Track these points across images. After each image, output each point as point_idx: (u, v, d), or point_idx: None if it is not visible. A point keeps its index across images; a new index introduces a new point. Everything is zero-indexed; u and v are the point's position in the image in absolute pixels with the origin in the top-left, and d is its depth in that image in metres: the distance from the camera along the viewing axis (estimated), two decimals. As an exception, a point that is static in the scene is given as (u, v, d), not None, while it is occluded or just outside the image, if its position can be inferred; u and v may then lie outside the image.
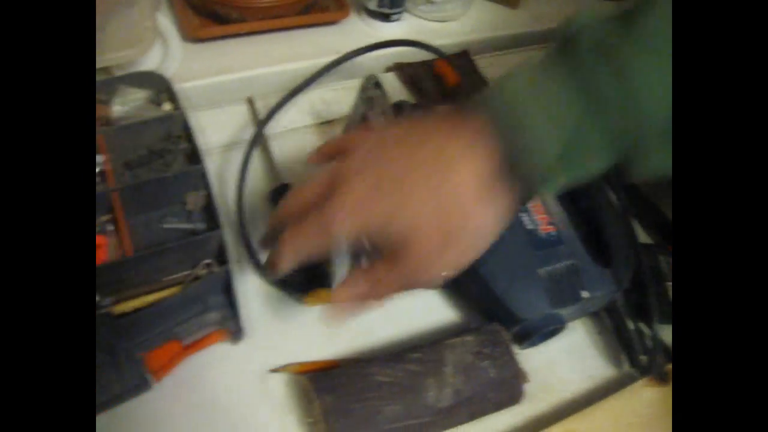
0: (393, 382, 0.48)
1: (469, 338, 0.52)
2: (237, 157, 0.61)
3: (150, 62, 0.66)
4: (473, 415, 0.50)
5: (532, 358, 0.56)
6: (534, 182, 0.40)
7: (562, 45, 0.40)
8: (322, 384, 0.47)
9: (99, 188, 0.54)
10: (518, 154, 0.39)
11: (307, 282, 0.54)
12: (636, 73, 0.36)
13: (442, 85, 0.74)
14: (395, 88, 0.75)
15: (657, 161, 0.38)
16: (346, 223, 0.39)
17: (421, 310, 0.59)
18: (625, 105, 0.37)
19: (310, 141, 0.68)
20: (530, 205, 0.58)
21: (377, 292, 0.42)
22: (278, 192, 0.61)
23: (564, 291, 0.55)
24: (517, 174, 0.39)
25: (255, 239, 0.57)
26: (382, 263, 0.41)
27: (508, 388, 0.51)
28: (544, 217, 0.58)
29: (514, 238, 0.56)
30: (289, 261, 0.42)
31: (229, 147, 0.65)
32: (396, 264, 0.40)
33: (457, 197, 0.39)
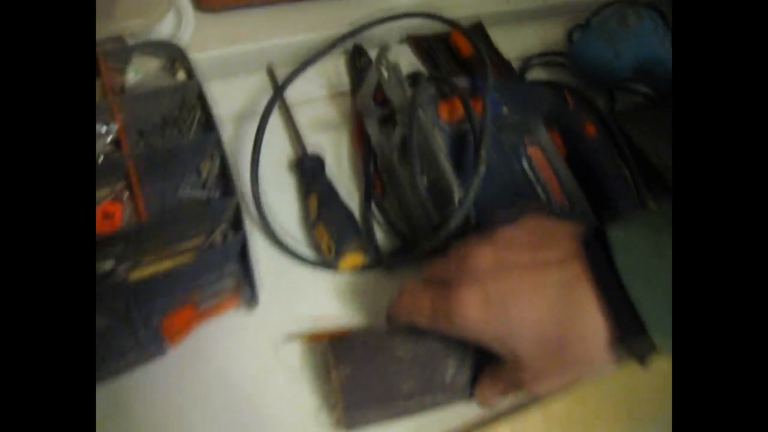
0: (414, 359, 0.47)
1: None
2: (251, 128, 0.61)
3: (163, 31, 0.66)
4: None
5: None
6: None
7: None
8: (342, 353, 0.47)
9: (114, 156, 0.54)
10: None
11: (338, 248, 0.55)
12: None
13: (456, 57, 0.74)
14: (409, 60, 0.75)
15: None
16: (467, 323, 0.41)
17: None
18: None
19: (326, 112, 0.68)
20: (543, 174, 0.58)
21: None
22: (303, 161, 0.61)
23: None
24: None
25: (272, 208, 0.58)
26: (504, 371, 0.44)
27: None
28: (556, 186, 0.57)
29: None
30: (400, 319, 0.47)
31: (243, 118, 0.65)
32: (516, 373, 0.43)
33: (584, 344, 0.39)
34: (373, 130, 0.61)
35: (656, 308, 0.36)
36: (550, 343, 0.39)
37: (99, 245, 0.49)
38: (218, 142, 0.55)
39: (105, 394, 0.48)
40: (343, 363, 0.46)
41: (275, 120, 0.65)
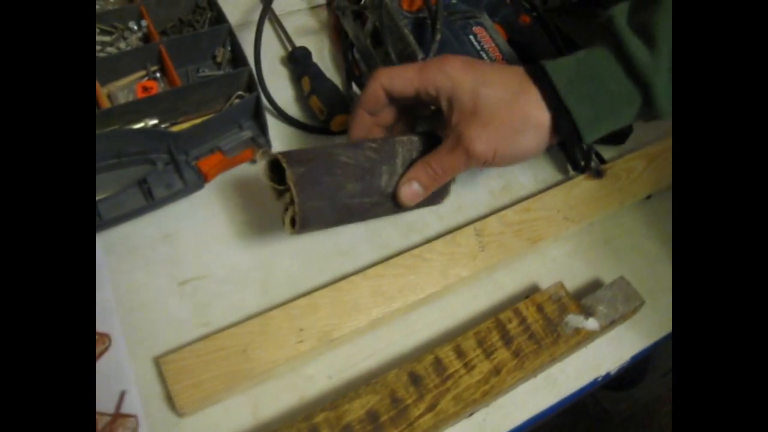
0: (354, 164, 0.54)
1: (415, 138, 0.59)
2: (247, 34, 0.75)
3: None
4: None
5: (498, 168, 0.71)
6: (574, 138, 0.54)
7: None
8: (294, 158, 0.52)
9: (148, 44, 0.68)
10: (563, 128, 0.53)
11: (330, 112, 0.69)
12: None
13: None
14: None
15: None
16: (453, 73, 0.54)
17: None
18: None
19: (306, 21, 0.83)
20: (486, 45, 0.73)
21: (437, 179, 0.56)
22: (294, 52, 0.75)
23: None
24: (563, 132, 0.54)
25: (272, 92, 0.72)
26: (444, 148, 0.55)
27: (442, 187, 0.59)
28: (498, 55, 0.73)
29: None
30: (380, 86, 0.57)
31: (238, 27, 0.79)
32: (460, 142, 0.54)
33: (528, 109, 0.53)
34: (348, 24, 0.76)
35: (583, 110, 0.52)
36: (506, 105, 0.53)
37: (144, 106, 0.63)
38: (230, 31, 0.69)
39: (158, 220, 0.62)
40: (296, 165, 0.51)
41: (265, 29, 0.79)
